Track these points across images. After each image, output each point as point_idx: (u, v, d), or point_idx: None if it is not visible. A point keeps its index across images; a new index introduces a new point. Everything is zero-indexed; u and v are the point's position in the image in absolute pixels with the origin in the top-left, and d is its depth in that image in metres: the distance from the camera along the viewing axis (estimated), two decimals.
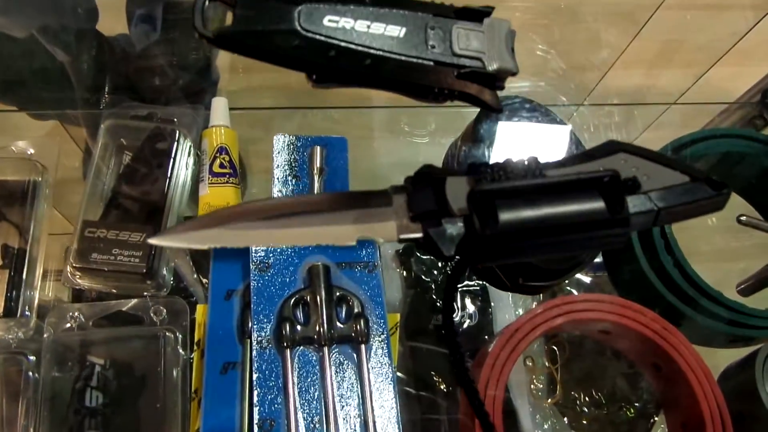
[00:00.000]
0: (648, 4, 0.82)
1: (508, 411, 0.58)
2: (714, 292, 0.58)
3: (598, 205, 0.38)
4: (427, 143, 0.72)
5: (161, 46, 0.67)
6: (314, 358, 0.50)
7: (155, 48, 0.67)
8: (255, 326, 0.50)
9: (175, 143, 0.62)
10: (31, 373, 0.54)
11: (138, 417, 0.53)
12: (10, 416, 0.53)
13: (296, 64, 0.46)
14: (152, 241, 0.39)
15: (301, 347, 0.50)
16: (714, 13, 0.91)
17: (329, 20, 0.44)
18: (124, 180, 0.61)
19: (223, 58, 0.71)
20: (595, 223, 0.38)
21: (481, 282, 0.66)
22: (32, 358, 0.55)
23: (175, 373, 0.55)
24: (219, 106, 0.64)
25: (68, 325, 0.55)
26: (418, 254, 0.66)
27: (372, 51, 0.45)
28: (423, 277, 0.66)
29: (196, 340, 0.55)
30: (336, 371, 0.50)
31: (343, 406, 0.49)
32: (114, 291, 0.57)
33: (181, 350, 0.56)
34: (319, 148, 0.59)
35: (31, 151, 0.62)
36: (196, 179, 0.63)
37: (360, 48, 0.45)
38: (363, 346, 0.51)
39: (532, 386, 0.61)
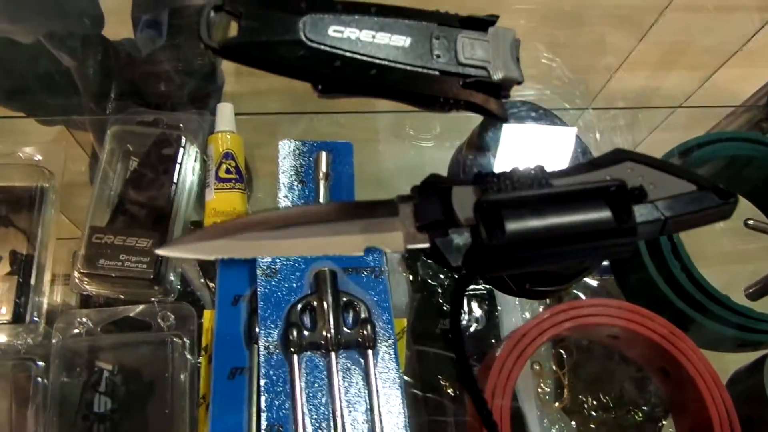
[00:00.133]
0: (652, 7, 0.81)
1: (515, 415, 0.58)
2: (722, 297, 0.57)
3: (605, 214, 0.38)
4: (433, 147, 0.72)
5: (167, 52, 0.67)
6: (321, 363, 0.50)
7: (161, 53, 0.67)
8: (262, 331, 0.50)
9: (181, 149, 0.62)
10: (39, 379, 0.54)
11: (146, 422, 0.53)
12: (20, 422, 0.53)
13: (302, 75, 0.46)
14: (160, 251, 0.40)
15: (308, 353, 0.50)
16: (720, 16, 0.91)
17: (334, 30, 0.44)
18: (131, 185, 0.61)
19: (228, 63, 0.70)
20: (601, 233, 0.38)
21: (487, 286, 0.66)
22: (41, 363, 0.55)
23: (182, 378, 0.55)
24: (225, 112, 0.64)
25: (76, 330, 0.55)
26: (424, 258, 0.66)
27: (377, 61, 0.45)
28: (429, 281, 0.66)
29: (203, 345, 0.55)
30: (343, 377, 0.50)
31: (350, 412, 0.49)
32: (121, 297, 0.58)
33: (188, 356, 0.56)
34: (324, 153, 0.59)
35: (38, 157, 0.62)
36: (202, 184, 0.63)
37: (365, 58, 0.45)
38: (370, 352, 0.51)
39: (539, 390, 0.61)
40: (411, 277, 0.66)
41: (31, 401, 0.53)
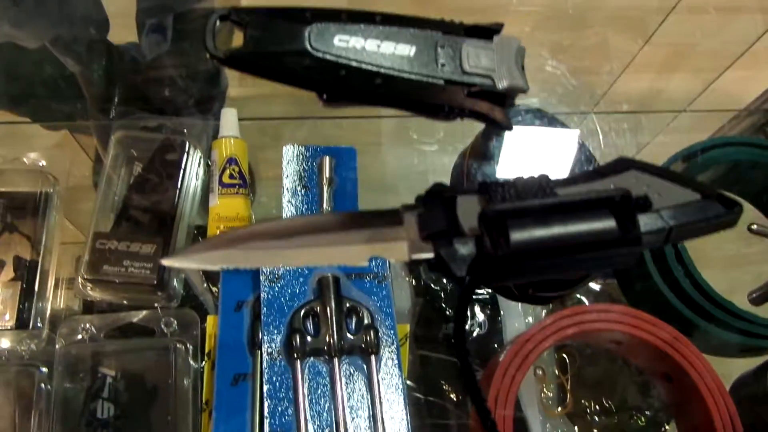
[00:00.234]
0: (656, 9, 0.81)
1: (518, 420, 0.58)
2: (726, 302, 0.57)
3: (610, 224, 0.38)
4: (436, 151, 0.72)
5: (171, 56, 0.67)
6: (324, 369, 0.50)
7: (165, 58, 0.67)
8: (265, 337, 0.51)
9: (185, 154, 0.62)
10: (43, 385, 0.54)
11: (149, 428, 0.54)
12: (23, 428, 0.53)
13: (307, 84, 0.46)
14: (165, 262, 0.39)
15: (312, 358, 0.50)
16: (723, 19, 0.90)
17: (339, 40, 0.44)
18: (135, 191, 0.62)
19: None
20: (606, 243, 0.38)
21: (490, 291, 0.66)
22: (44, 369, 0.55)
23: (186, 384, 0.55)
24: (228, 117, 0.64)
25: (80, 336, 0.56)
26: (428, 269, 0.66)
27: (382, 70, 0.45)
28: (432, 285, 0.66)
29: (206, 351, 0.55)
30: (346, 383, 0.50)
31: (353, 418, 0.49)
32: (125, 302, 0.58)
33: (191, 361, 0.56)
34: (328, 158, 0.59)
35: (43, 162, 0.62)
36: (206, 189, 0.63)
37: (370, 67, 0.45)
38: (373, 358, 0.51)
39: (542, 395, 0.61)
40: (414, 282, 0.66)
41: (34, 407, 0.54)
